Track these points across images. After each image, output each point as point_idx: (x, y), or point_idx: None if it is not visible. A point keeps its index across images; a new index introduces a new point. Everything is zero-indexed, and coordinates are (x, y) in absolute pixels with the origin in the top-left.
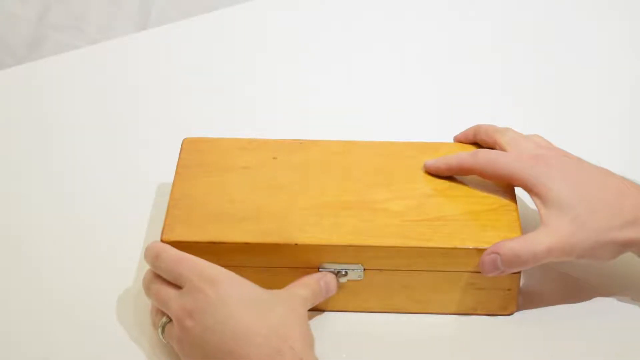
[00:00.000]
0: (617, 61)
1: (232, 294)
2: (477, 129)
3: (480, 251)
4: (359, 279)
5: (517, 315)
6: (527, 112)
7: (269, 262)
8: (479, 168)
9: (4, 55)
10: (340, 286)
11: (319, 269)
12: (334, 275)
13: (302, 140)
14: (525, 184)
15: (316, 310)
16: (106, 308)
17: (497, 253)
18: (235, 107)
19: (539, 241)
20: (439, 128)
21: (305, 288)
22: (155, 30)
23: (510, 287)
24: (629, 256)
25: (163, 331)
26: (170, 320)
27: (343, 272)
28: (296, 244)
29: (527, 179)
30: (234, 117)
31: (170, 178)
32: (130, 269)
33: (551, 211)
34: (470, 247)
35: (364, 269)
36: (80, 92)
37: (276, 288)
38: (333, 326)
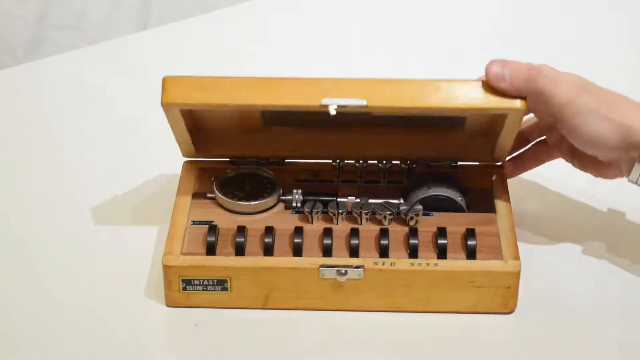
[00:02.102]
0: (617, 60)
1: None
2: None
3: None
4: (359, 277)
5: (517, 313)
6: None
7: (269, 99)
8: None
9: (4, 55)
10: (340, 285)
11: (319, 268)
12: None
13: None
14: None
15: (316, 310)
16: (106, 308)
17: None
18: None
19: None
20: None
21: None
22: (155, 30)
23: (510, 285)
24: (629, 255)
25: None
26: None
27: (343, 271)
28: (298, 78)
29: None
30: None
31: (170, 176)
32: (131, 269)
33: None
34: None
35: (364, 269)
36: (80, 92)
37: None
38: (333, 326)
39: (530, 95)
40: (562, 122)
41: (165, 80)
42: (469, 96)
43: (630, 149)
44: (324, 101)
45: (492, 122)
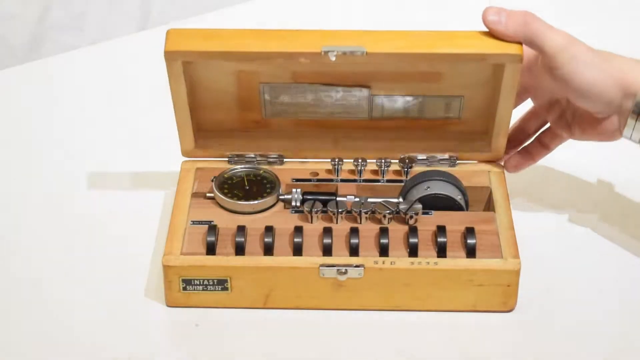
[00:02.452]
0: None
1: None
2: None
3: None
4: (359, 277)
5: (516, 311)
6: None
7: (270, 46)
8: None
9: (4, 55)
10: (340, 285)
11: (319, 267)
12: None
13: None
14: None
15: (316, 309)
16: (106, 308)
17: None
18: None
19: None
20: None
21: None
22: (155, 30)
23: (509, 283)
24: (630, 255)
25: None
26: None
27: (343, 271)
28: (299, 29)
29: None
30: None
31: (170, 176)
32: (131, 269)
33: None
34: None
35: (364, 268)
36: (80, 92)
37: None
38: (333, 325)
39: (526, 41)
40: (556, 70)
41: (168, 33)
42: (467, 44)
43: (623, 99)
44: (325, 48)
45: (491, 95)
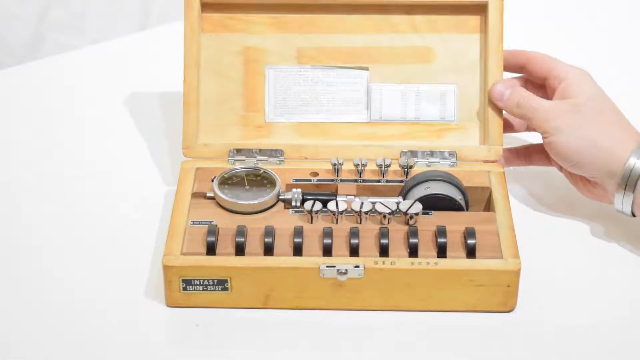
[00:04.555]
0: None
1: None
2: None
3: None
4: (359, 277)
5: (517, 311)
6: None
7: None
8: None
9: (4, 55)
10: (340, 285)
11: (319, 268)
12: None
13: None
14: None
15: (316, 309)
16: (106, 308)
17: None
18: None
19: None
20: None
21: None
22: (155, 30)
23: (510, 284)
24: (630, 254)
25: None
26: None
27: (343, 271)
28: None
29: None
30: None
31: (169, 176)
32: (131, 269)
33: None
34: None
35: (364, 268)
36: (80, 92)
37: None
38: (333, 325)
39: (520, 117)
40: (544, 139)
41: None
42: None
43: (610, 172)
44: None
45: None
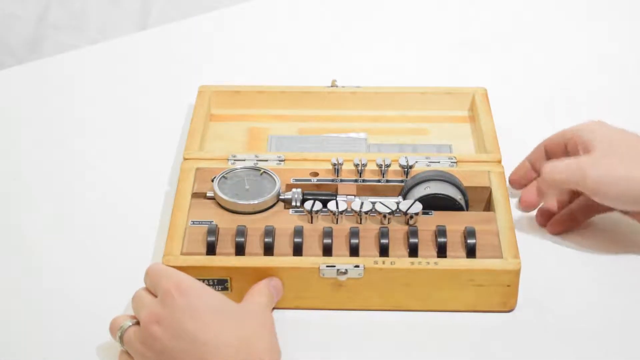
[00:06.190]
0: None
1: (202, 304)
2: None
3: None
4: (359, 277)
5: (517, 311)
6: (529, 110)
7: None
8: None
9: (4, 55)
10: (340, 285)
11: (319, 267)
12: (277, 278)
13: None
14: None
15: (316, 309)
16: (107, 309)
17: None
18: None
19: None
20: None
21: (262, 296)
22: (155, 30)
23: (509, 284)
24: (630, 253)
25: (122, 335)
26: (131, 325)
27: (343, 271)
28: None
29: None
30: None
31: (170, 176)
32: (131, 269)
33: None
34: None
35: (364, 268)
36: (80, 92)
37: None
38: (334, 325)
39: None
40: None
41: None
42: None
43: None
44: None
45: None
